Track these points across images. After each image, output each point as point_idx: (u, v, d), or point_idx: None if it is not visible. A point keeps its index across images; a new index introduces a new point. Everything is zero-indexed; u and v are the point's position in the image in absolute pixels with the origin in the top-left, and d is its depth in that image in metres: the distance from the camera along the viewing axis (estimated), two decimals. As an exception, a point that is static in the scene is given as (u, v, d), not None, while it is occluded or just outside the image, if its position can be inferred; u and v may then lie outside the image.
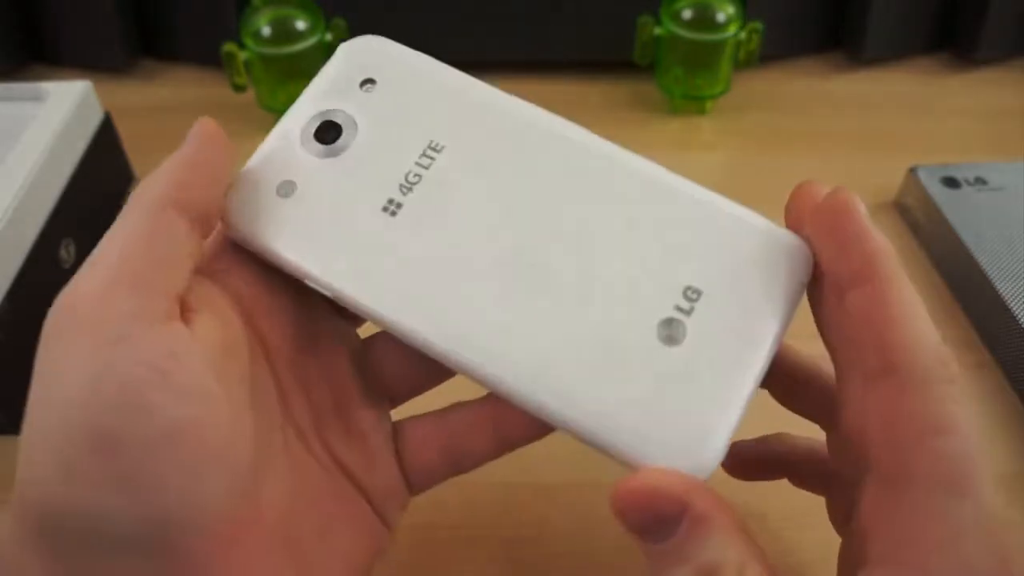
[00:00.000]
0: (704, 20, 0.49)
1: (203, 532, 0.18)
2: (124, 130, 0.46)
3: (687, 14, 0.49)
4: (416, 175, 0.22)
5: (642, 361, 0.20)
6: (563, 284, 0.21)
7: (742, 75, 0.53)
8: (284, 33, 0.48)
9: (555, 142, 0.23)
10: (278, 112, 0.50)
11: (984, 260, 0.38)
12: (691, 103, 0.52)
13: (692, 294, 0.21)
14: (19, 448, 0.19)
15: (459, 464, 0.24)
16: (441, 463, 0.24)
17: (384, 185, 0.22)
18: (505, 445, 0.24)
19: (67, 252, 0.40)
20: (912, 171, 0.44)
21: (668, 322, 0.20)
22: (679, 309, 0.21)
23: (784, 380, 0.25)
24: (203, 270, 0.22)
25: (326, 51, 0.50)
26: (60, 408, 0.18)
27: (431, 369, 0.24)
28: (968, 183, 0.42)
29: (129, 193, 0.46)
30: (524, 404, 0.20)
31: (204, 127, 0.22)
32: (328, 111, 0.23)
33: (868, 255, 0.19)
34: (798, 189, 0.22)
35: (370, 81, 0.24)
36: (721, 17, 0.49)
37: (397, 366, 0.24)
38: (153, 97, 0.54)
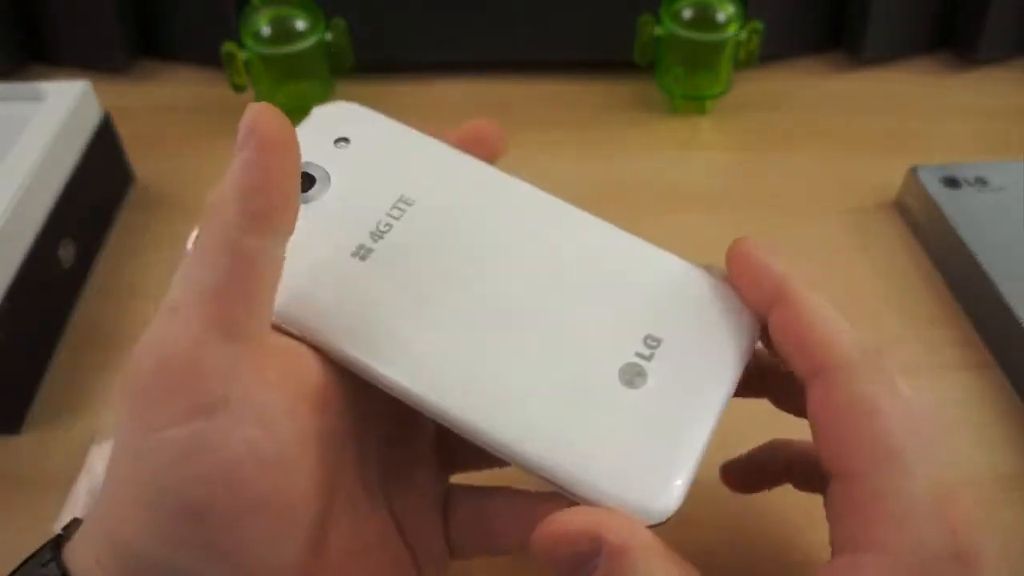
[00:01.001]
0: (704, 20, 0.49)
1: None
2: (123, 130, 0.46)
3: (687, 14, 0.49)
4: (387, 224, 0.23)
5: (605, 403, 0.21)
6: (528, 329, 0.22)
7: (742, 75, 0.53)
8: (284, 33, 0.48)
9: (520, 200, 0.24)
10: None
11: (984, 260, 0.38)
12: (691, 103, 0.52)
13: (652, 342, 0.22)
14: (107, 492, 0.19)
15: (494, 548, 0.24)
16: (478, 542, 0.24)
17: (356, 232, 0.23)
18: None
19: (66, 252, 0.40)
20: (912, 171, 0.44)
21: (630, 367, 0.21)
22: (640, 355, 0.21)
23: (778, 383, 0.25)
24: None
25: (326, 51, 0.50)
26: (153, 471, 0.18)
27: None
28: (968, 183, 0.42)
29: (128, 193, 0.46)
30: (488, 443, 0.20)
31: (265, 130, 0.19)
32: (303, 163, 0.23)
33: (771, 282, 0.21)
34: (730, 249, 0.23)
35: (344, 140, 0.25)
36: (721, 17, 0.49)
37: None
38: (153, 97, 0.54)
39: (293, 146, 0.20)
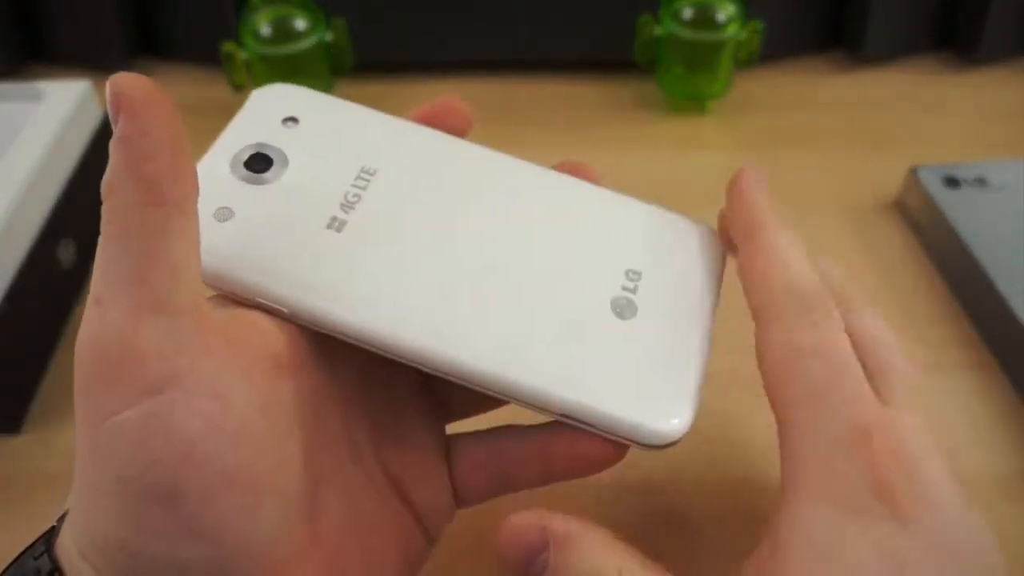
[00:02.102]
0: (704, 20, 0.49)
1: (262, 561, 0.18)
2: (124, 130, 0.46)
3: (687, 14, 0.49)
4: (355, 195, 0.23)
5: (603, 335, 0.22)
6: (515, 276, 0.22)
7: (742, 75, 0.53)
8: (284, 32, 0.48)
9: (479, 161, 0.25)
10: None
11: (984, 260, 0.38)
12: (691, 103, 0.52)
13: (633, 275, 0.23)
14: (76, 485, 0.19)
15: (507, 487, 0.24)
16: (489, 484, 0.24)
17: (325, 205, 0.23)
18: (552, 477, 0.23)
19: (66, 252, 0.40)
20: (913, 171, 0.44)
21: (618, 299, 0.22)
22: (625, 288, 0.23)
23: None
24: None
25: (326, 51, 0.50)
26: (113, 463, 0.18)
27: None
28: (969, 183, 0.42)
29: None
30: (497, 388, 0.21)
31: (128, 96, 0.18)
32: (256, 144, 0.24)
33: (749, 217, 0.23)
34: (731, 181, 0.24)
35: (292, 120, 0.25)
36: (721, 17, 0.49)
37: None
38: (153, 97, 0.54)
39: (166, 104, 0.18)
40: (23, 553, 0.20)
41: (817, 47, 0.57)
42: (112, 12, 0.53)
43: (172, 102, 0.19)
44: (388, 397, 0.24)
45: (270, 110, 0.25)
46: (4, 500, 0.32)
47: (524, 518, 0.20)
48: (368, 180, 0.23)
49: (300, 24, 0.48)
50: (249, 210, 0.22)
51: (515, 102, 0.53)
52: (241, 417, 0.18)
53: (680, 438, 0.21)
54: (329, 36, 0.49)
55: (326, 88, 0.51)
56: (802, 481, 0.19)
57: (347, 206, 0.23)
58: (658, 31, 0.50)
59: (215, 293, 0.22)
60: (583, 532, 0.19)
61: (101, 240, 0.18)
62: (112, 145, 0.18)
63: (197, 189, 0.19)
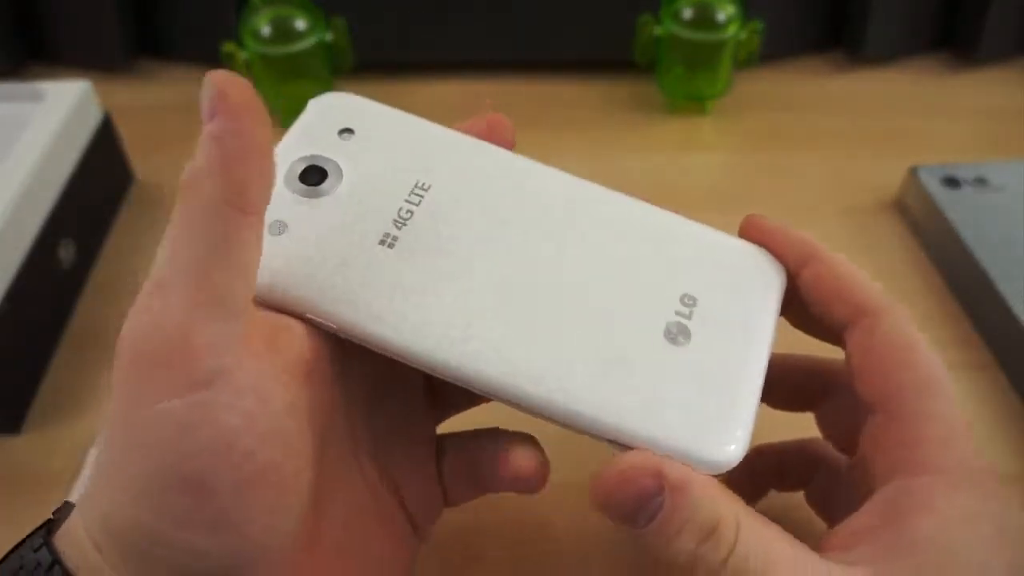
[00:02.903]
0: (704, 20, 0.49)
1: (278, 557, 0.19)
2: (123, 130, 0.46)
3: (687, 14, 0.49)
4: (408, 211, 0.23)
5: (656, 363, 0.21)
6: (568, 300, 0.22)
7: (742, 75, 0.53)
8: (284, 33, 0.48)
9: (532, 177, 0.24)
10: (278, 112, 0.50)
11: (984, 260, 0.38)
12: (691, 103, 0.52)
13: (688, 300, 0.22)
14: (101, 469, 0.18)
15: (490, 489, 0.25)
16: (474, 486, 0.25)
17: (378, 221, 0.22)
18: (492, 487, 0.24)
19: (66, 252, 0.40)
20: (912, 171, 0.44)
21: (673, 325, 0.22)
22: (680, 314, 0.22)
23: (772, 382, 0.25)
24: None
25: (326, 51, 0.50)
26: (149, 447, 0.18)
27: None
28: (968, 183, 0.42)
29: (128, 193, 0.46)
30: (553, 417, 0.21)
31: (230, 100, 0.18)
32: (311, 156, 0.23)
33: (799, 244, 0.23)
34: (745, 226, 0.25)
35: (348, 131, 0.24)
36: (721, 17, 0.49)
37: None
38: (153, 97, 0.54)
39: (261, 109, 0.19)
40: (19, 545, 0.19)
41: (817, 47, 0.57)
42: (112, 12, 0.53)
43: (265, 108, 0.19)
44: (391, 402, 0.24)
45: (326, 120, 0.24)
46: (4, 500, 0.32)
47: (636, 463, 0.19)
48: (422, 196, 0.23)
49: (300, 24, 0.48)
50: (303, 224, 0.22)
51: (515, 102, 0.53)
52: (276, 418, 0.18)
53: (732, 466, 0.20)
54: (329, 36, 0.49)
55: (326, 88, 0.51)
56: (920, 463, 0.20)
57: (400, 222, 0.23)
58: (658, 31, 0.50)
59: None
60: (698, 479, 0.19)
61: (175, 228, 0.19)
62: (204, 140, 0.18)
63: (269, 201, 0.19)
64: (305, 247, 0.22)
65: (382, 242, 0.22)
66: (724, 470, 0.20)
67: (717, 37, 0.49)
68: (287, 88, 0.50)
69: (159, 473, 0.17)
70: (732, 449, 0.20)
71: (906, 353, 0.21)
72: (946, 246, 0.41)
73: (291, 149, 0.24)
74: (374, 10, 0.52)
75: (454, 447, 0.25)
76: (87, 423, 0.35)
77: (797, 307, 0.24)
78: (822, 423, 0.27)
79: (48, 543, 0.19)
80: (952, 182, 0.42)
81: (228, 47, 0.48)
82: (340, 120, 0.24)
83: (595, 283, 0.22)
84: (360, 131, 0.24)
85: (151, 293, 0.18)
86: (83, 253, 0.41)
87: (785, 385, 0.26)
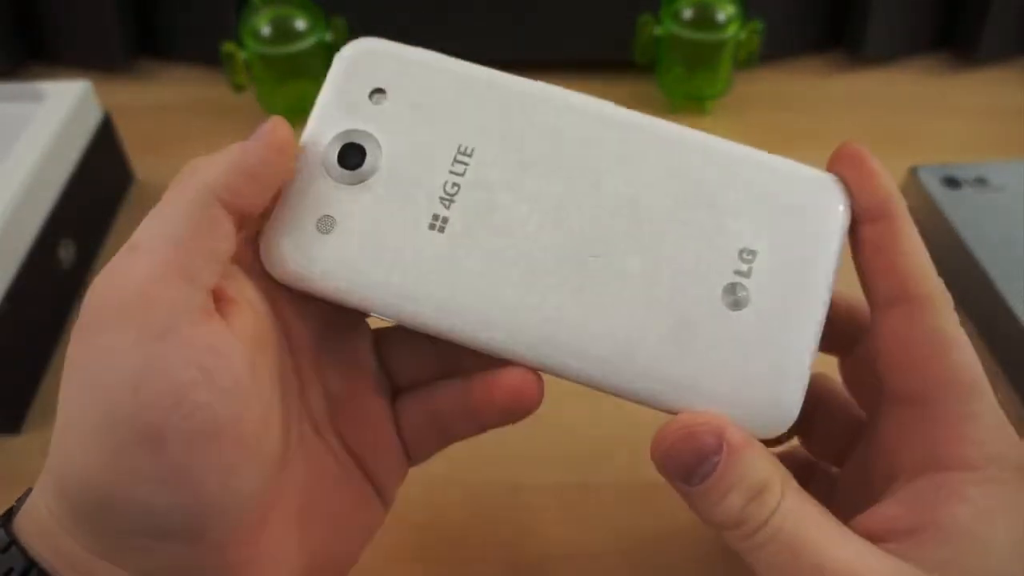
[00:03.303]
0: (704, 20, 0.49)
1: (236, 519, 0.19)
2: (123, 130, 0.46)
3: (687, 14, 0.49)
4: (454, 184, 0.22)
5: (715, 330, 0.21)
6: (628, 269, 0.21)
7: (742, 75, 0.53)
8: (284, 33, 0.48)
9: (579, 120, 0.23)
10: (278, 112, 0.50)
11: (984, 260, 0.38)
12: (691, 103, 0.52)
13: (748, 255, 0.21)
14: (57, 429, 0.19)
15: (450, 440, 0.25)
16: (435, 441, 0.25)
17: (425, 202, 0.22)
18: (487, 425, 0.24)
19: (66, 252, 0.40)
20: (912, 171, 0.44)
21: (731, 287, 0.21)
22: (738, 273, 0.21)
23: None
24: (233, 259, 0.21)
25: (326, 51, 0.50)
26: (104, 400, 0.18)
27: (441, 362, 0.24)
28: (968, 183, 0.42)
29: (128, 193, 0.46)
30: (613, 390, 0.21)
31: (275, 134, 0.21)
32: (346, 132, 0.22)
33: (881, 195, 0.22)
34: (841, 150, 0.23)
35: (379, 91, 0.23)
36: (721, 17, 0.49)
37: (408, 358, 0.25)
38: (153, 97, 0.54)
39: (290, 156, 0.21)
40: None
41: (817, 47, 0.57)
42: (112, 12, 0.53)
43: (292, 156, 0.22)
44: (342, 368, 0.24)
45: (356, 80, 0.23)
46: (4, 500, 0.32)
47: (700, 421, 0.20)
48: (466, 164, 0.22)
49: (300, 24, 0.48)
50: (349, 216, 0.22)
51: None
52: (234, 375, 0.19)
53: (788, 427, 0.21)
54: (329, 36, 0.49)
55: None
56: (954, 459, 0.20)
57: (447, 199, 0.22)
58: (658, 31, 0.50)
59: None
60: (754, 442, 0.20)
61: (166, 200, 0.20)
62: (235, 147, 0.20)
63: (253, 223, 0.21)
64: (356, 244, 0.22)
65: (431, 226, 0.22)
66: (779, 433, 0.21)
67: (717, 37, 0.49)
68: (287, 88, 0.50)
69: (113, 426, 0.17)
70: (785, 415, 0.21)
71: (947, 351, 0.20)
72: (946, 246, 0.41)
73: (325, 122, 0.23)
74: (374, 10, 0.52)
75: (413, 403, 0.25)
76: (87, 423, 0.35)
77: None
78: (846, 372, 0.26)
79: (7, 526, 0.19)
80: (952, 182, 0.42)
81: (228, 47, 0.48)
82: (370, 78, 0.23)
83: (656, 249, 0.21)
84: (392, 90, 0.23)
85: (123, 254, 0.19)
86: (83, 253, 0.41)
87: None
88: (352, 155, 0.22)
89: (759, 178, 0.22)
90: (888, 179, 0.22)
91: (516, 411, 0.22)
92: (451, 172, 0.22)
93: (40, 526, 0.19)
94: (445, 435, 0.24)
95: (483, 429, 0.24)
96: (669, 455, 0.20)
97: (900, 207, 0.22)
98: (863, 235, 0.22)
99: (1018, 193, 0.42)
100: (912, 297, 0.21)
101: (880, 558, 0.19)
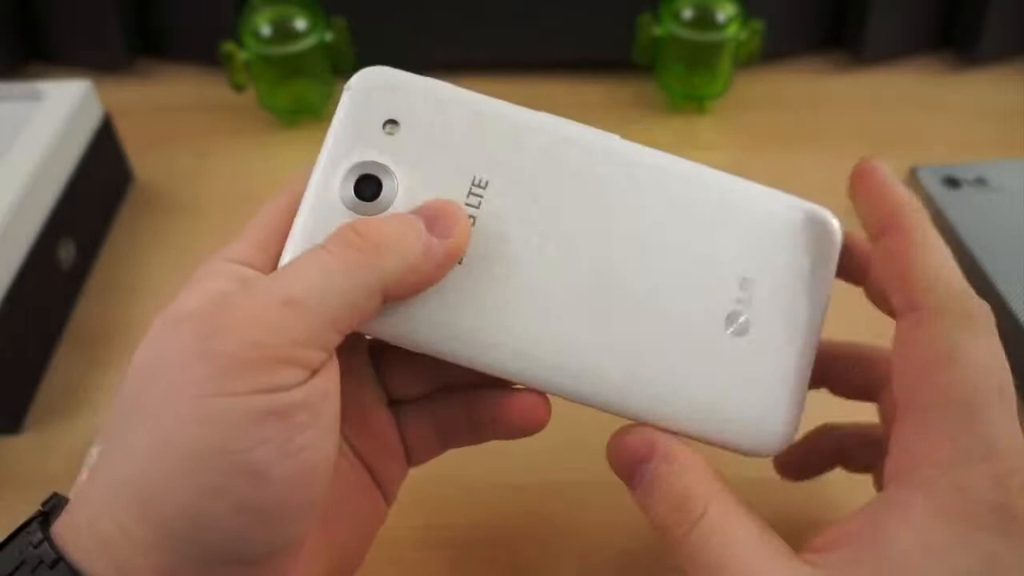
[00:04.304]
0: (704, 20, 0.49)
1: (301, 542, 0.20)
2: (123, 130, 0.46)
3: (687, 14, 0.49)
4: (470, 217, 0.22)
5: (718, 356, 0.22)
6: (636, 297, 0.22)
7: (742, 74, 0.53)
8: (284, 32, 0.48)
9: (587, 154, 0.23)
10: (279, 112, 0.50)
11: (984, 260, 0.38)
12: (691, 103, 0.52)
13: (747, 285, 0.23)
14: (140, 455, 0.18)
15: (450, 446, 0.26)
16: (435, 447, 0.25)
17: None
18: (486, 437, 0.25)
19: (66, 252, 0.40)
20: (913, 171, 0.44)
21: (733, 315, 0.22)
22: (739, 301, 0.22)
23: (834, 371, 0.26)
24: None
25: (326, 51, 0.50)
26: (217, 435, 0.18)
27: (437, 376, 0.25)
28: (969, 183, 0.42)
29: (128, 193, 0.46)
30: (623, 414, 0.22)
31: (458, 245, 0.21)
32: (361, 164, 0.22)
33: (891, 206, 0.22)
34: (857, 166, 0.24)
35: (392, 122, 0.23)
36: (721, 17, 0.49)
37: (405, 371, 0.25)
38: (153, 97, 0.54)
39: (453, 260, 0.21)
40: (11, 539, 0.19)
41: (817, 47, 0.57)
42: (112, 12, 0.53)
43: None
44: (346, 384, 0.24)
45: (368, 112, 0.23)
46: (4, 500, 0.32)
47: (635, 433, 0.22)
48: (480, 196, 0.22)
49: (300, 24, 0.48)
50: None
51: (515, 102, 0.53)
52: (332, 415, 0.20)
53: (783, 449, 0.22)
54: (329, 36, 0.49)
55: (326, 88, 0.51)
56: (921, 480, 0.19)
57: None
58: (658, 31, 0.50)
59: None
60: (685, 456, 0.21)
61: (330, 259, 0.20)
62: (417, 242, 0.21)
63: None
64: None
65: None
66: (773, 454, 0.22)
67: (717, 37, 0.49)
68: (287, 88, 0.50)
69: (222, 458, 0.18)
70: (780, 437, 0.22)
71: (943, 362, 0.20)
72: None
73: (338, 153, 0.22)
74: (374, 10, 0.52)
75: (414, 412, 0.25)
76: (87, 423, 0.35)
77: (874, 280, 0.23)
78: (882, 415, 0.26)
79: (48, 538, 0.18)
80: (952, 182, 0.42)
81: (228, 47, 0.48)
82: (383, 109, 0.23)
83: (662, 277, 0.22)
84: (405, 122, 0.23)
85: (277, 305, 0.19)
86: (83, 253, 0.41)
87: (848, 374, 0.26)
88: (368, 186, 0.22)
89: (758, 211, 0.23)
90: (898, 191, 0.22)
91: (525, 431, 0.23)
92: (467, 204, 0.22)
93: (101, 541, 0.18)
94: (446, 443, 0.25)
95: (483, 439, 0.25)
96: (614, 458, 0.22)
97: (912, 218, 0.22)
98: (879, 249, 0.22)
99: (1018, 193, 0.42)
100: (917, 305, 0.21)
101: None
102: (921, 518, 0.19)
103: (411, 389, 0.25)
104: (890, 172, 0.23)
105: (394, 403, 0.25)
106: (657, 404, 0.22)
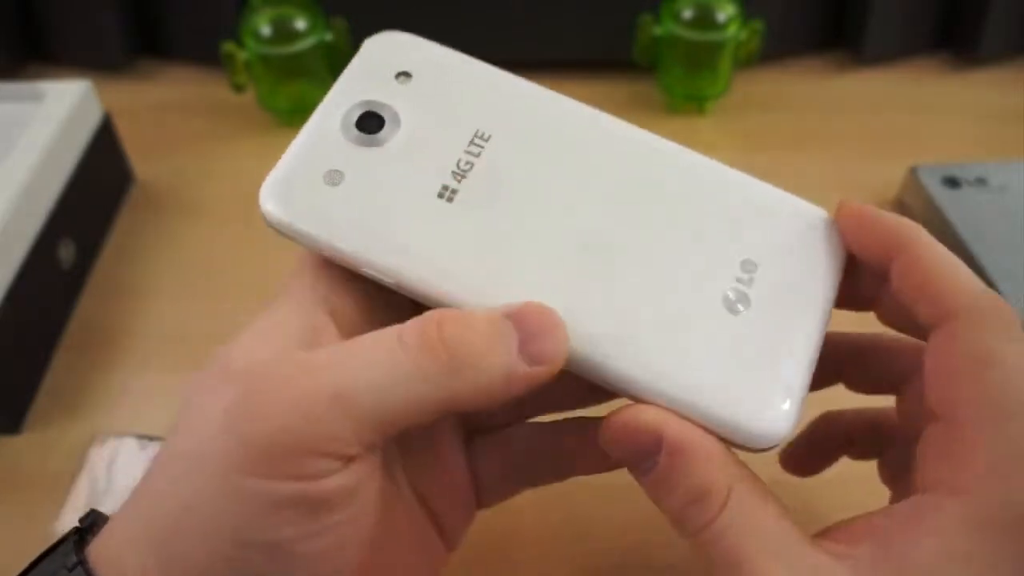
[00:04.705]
0: (704, 20, 0.49)
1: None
2: (123, 130, 0.46)
3: (687, 14, 0.49)
4: (468, 163, 0.22)
5: (713, 331, 0.21)
6: (629, 265, 0.22)
7: (742, 75, 0.53)
8: (284, 33, 0.48)
9: (595, 129, 0.23)
10: (278, 112, 0.50)
11: (985, 260, 0.38)
12: (691, 103, 0.52)
13: (749, 267, 0.22)
14: (166, 510, 0.18)
15: (526, 485, 0.24)
16: (509, 485, 0.24)
17: (437, 172, 0.22)
18: (569, 473, 0.23)
19: (66, 252, 0.40)
20: (913, 171, 0.44)
21: (732, 293, 0.21)
22: (740, 281, 0.22)
23: (854, 364, 0.25)
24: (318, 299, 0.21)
25: (326, 51, 0.50)
26: (240, 513, 0.17)
27: (515, 407, 0.24)
28: (969, 183, 0.42)
29: (128, 193, 0.46)
30: (612, 383, 0.21)
31: (542, 376, 0.19)
32: (368, 101, 0.23)
33: (891, 232, 0.21)
34: (840, 210, 0.23)
35: (405, 74, 0.23)
36: (721, 17, 0.49)
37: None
38: (153, 97, 0.54)
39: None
40: (46, 556, 0.19)
41: (817, 47, 0.57)
42: (112, 12, 0.53)
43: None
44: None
45: (383, 62, 0.23)
46: (4, 500, 0.32)
47: (639, 417, 0.20)
48: (481, 147, 0.22)
49: (300, 24, 0.48)
50: (359, 174, 0.22)
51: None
52: (375, 491, 0.19)
53: (780, 444, 0.20)
54: (329, 36, 0.49)
55: (326, 88, 0.51)
56: (959, 486, 0.19)
57: (459, 174, 0.22)
58: (658, 31, 0.50)
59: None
60: (698, 444, 0.19)
61: (402, 359, 0.18)
62: (519, 366, 0.19)
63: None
64: (362, 199, 0.22)
65: (440, 195, 0.22)
66: (772, 445, 0.20)
67: (717, 37, 0.49)
68: (287, 88, 0.50)
69: (244, 534, 0.17)
70: (780, 426, 0.20)
71: (980, 369, 0.19)
72: (946, 246, 0.41)
73: (347, 92, 0.23)
74: (374, 10, 0.52)
75: (488, 450, 0.24)
76: (87, 423, 0.35)
77: (888, 302, 0.23)
78: (903, 410, 0.25)
79: (83, 563, 0.18)
80: (952, 182, 0.42)
81: (228, 47, 0.48)
82: (397, 62, 0.23)
83: (657, 245, 0.22)
84: (418, 74, 0.23)
85: (332, 399, 0.18)
86: (83, 253, 0.41)
87: (869, 365, 0.25)
88: (371, 121, 0.22)
89: (769, 202, 0.23)
90: (888, 218, 0.22)
91: (610, 463, 0.21)
92: (466, 151, 0.22)
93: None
94: (523, 479, 0.24)
95: (564, 476, 0.23)
96: (613, 445, 0.20)
97: (911, 235, 0.21)
98: (892, 274, 0.21)
99: (1018, 193, 0.42)
100: (949, 314, 0.20)
101: None
102: (953, 524, 0.18)
103: (490, 417, 0.24)
104: (876, 210, 0.23)
105: (468, 436, 0.25)
106: (648, 376, 0.20)
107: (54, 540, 0.20)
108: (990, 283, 0.37)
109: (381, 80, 0.23)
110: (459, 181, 0.22)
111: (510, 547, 0.30)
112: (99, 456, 0.33)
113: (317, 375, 0.18)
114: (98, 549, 0.19)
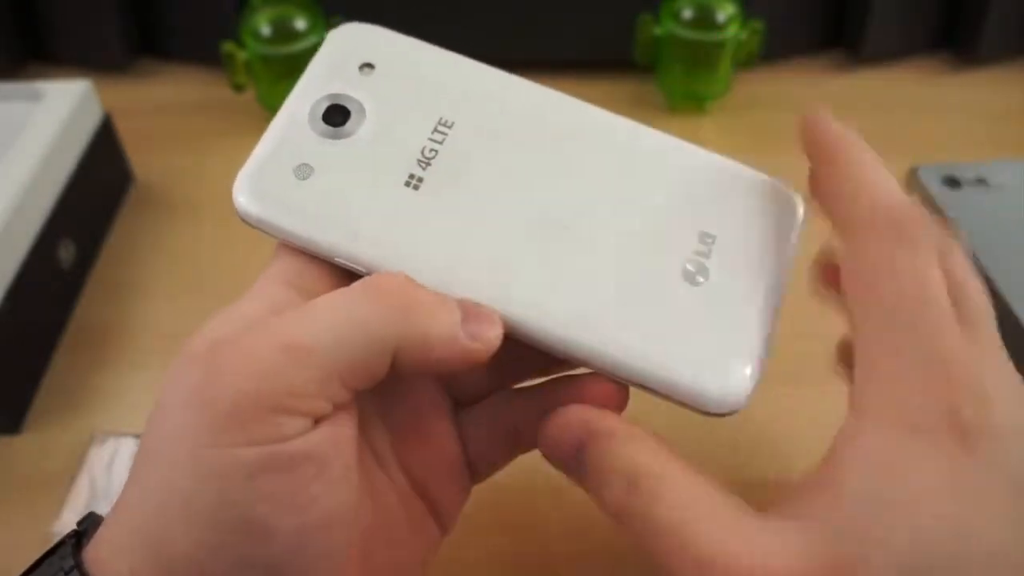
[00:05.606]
0: (704, 20, 0.49)
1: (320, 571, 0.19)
2: (123, 130, 0.46)
3: (687, 14, 0.49)
4: (432, 150, 0.23)
5: (672, 302, 0.22)
6: (591, 238, 0.22)
7: (742, 75, 0.53)
8: (284, 33, 0.48)
9: (556, 112, 0.24)
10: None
11: (985, 260, 0.38)
12: (691, 103, 0.52)
13: (707, 238, 0.23)
14: (147, 503, 0.18)
15: (519, 450, 0.24)
16: (502, 452, 0.24)
17: (402, 161, 0.23)
18: None
19: (66, 252, 0.40)
20: (913, 171, 0.44)
21: (691, 265, 0.22)
22: (698, 253, 0.22)
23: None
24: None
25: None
26: (220, 487, 0.17)
27: (499, 373, 0.24)
28: (969, 183, 0.42)
29: (128, 193, 0.46)
30: (572, 354, 0.21)
31: (488, 349, 0.20)
32: (333, 95, 0.23)
33: (828, 139, 0.22)
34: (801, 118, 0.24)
35: (368, 65, 0.24)
36: (721, 17, 0.49)
37: (470, 377, 0.24)
38: (153, 96, 0.54)
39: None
40: (45, 559, 0.19)
41: (817, 47, 0.57)
42: (112, 12, 0.53)
43: None
44: (404, 404, 0.24)
45: (346, 54, 0.24)
46: (4, 500, 0.33)
47: (569, 411, 0.20)
48: (445, 134, 0.23)
49: (300, 24, 0.48)
50: (328, 166, 0.22)
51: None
52: (348, 467, 0.19)
53: (741, 407, 0.21)
54: (329, 36, 0.49)
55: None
56: (872, 399, 0.19)
57: (424, 162, 0.23)
58: (658, 31, 0.50)
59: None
60: (626, 428, 0.20)
61: (364, 308, 0.19)
62: (483, 325, 0.20)
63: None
64: (332, 191, 0.22)
65: (407, 183, 0.22)
66: (734, 409, 0.21)
67: (717, 37, 0.49)
68: (287, 88, 0.49)
69: (225, 513, 0.17)
70: (739, 392, 0.21)
71: (880, 280, 0.19)
72: (946, 246, 0.41)
73: (313, 86, 0.24)
74: (374, 10, 0.52)
75: (478, 420, 0.24)
76: (87, 423, 0.35)
77: None
78: None
79: (79, 566, 0.18)
80: (952, 182, 0.42)
81: (228, 47, 0.48)
82: (360, 54, 0.24)
83: (617, 221, 0.23)
84: (381, 65, 0.24)
85: (282, 352, 0.18)
86: (83, 253, 0.41)
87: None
88: (337, 114, 0.23)
89: (724, 174, 0.24)
90: (834, 126, 0.22)
91: None
92: (430, 139, 0.23)
93: None
94: (516, 445, 0.24)
95: None
96: (551, 448, 0.20)
97: (848, 141, 0.22)
98: (813, 177, 0.22)
99: (1018, 193, 0.42)
100: (850, 222, 0.20)
101: (775, 546, 0.17)
102: (873, 444, 0.18)
103: (473, 386, 0.24)
104: (830, 117, 0.23)
105: (455, 410, 0.25)
106: (605, 345, 0.21)
107: (55, 540, 0.20)
108: (990, 283, 0.37)
109: (345, 72, 0.24)
110: (424, 169, 0.23)
111: (517, 545, 0.30)
112: (99, 456, 0.33)
113: (267, 331, 0.18)
114: (92, 554, 0.19)
